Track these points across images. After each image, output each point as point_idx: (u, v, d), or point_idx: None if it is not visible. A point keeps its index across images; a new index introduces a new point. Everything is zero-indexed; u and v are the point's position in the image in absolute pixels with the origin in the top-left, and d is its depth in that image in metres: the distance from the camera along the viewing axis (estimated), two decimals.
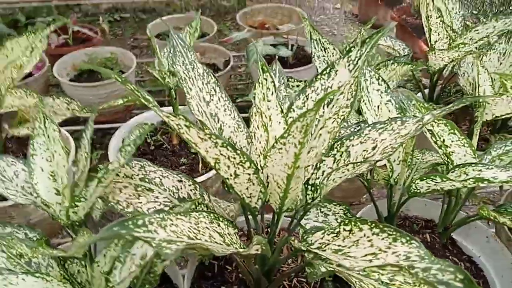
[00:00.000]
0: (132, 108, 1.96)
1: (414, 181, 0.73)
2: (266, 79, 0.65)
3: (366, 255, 0.52)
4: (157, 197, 0.69)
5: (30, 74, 1.82)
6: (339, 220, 0.76)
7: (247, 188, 0.62)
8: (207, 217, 0.58)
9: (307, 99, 0.67)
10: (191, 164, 1.07)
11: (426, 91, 1.19)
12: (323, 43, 0.99)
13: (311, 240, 0.61)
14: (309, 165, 0.66)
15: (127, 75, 1.82)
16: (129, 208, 0.67)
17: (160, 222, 0.47)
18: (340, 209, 0.77)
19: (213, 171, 1.02)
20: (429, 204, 0.92)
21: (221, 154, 0.57)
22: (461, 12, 1.12)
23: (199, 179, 0.98)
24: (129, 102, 1.03)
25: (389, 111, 0.77)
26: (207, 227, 0.56)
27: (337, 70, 0.65)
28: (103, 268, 0.67)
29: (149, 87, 2.39)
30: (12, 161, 0.78)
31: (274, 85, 0.65)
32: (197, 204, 0.68)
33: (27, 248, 0.69)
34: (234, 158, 0.57)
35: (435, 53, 0.98)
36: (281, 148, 0.54)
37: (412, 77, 1.14)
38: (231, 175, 0.60)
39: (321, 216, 0.76)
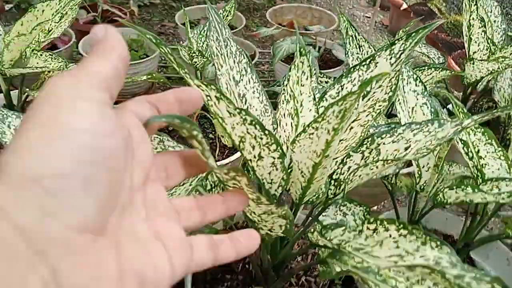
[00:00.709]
0: (154, 91, 1.95)
1: (442, 189, 0.69)
2: (302, 62, 0.62)
3: (391, 256, 0.49)
4: None
5: (55, 47, 1.82)
6: (357, 221, 0.72)
7: (269, 173, 0.59)
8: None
9: (342, 89, 0.64)
10: None
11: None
12: (359, 40, 0.96)
13: (330, 236, 0.58)
14: (336, 158, 0.63)
15: (151, 59, 1.82)
16: None
17: None
18: (360, 210, 0.74)
19: (229, 159, 0.99)
20: (450, 218, 0.89)
21: (248, 133, 0.54)
22: (503, 26, 1.08)
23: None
24: (153, 80, 1.01)
25: (424, 114, 0.74)
26: None
27: (377, 62, 0.62)
28: None
29: (171, 73, 2.39)
30: None
31: (310, 69, 0.62)
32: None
33: None
34: (261, 138, 0.54)
35: (473, 63, 0.94)
36: (312, 133, 0.51)
37: (445, 88, 1.10)
38: (254, 157, 0.57)
39: (340, 214, 0.72)
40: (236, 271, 0.77)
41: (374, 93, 0.61)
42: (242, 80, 0.68)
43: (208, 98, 0.52)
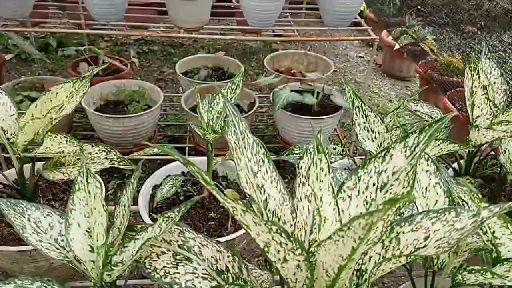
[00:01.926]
0: (155, 140, 1.98)
1: (460, 271, 0.70)
2: (320, 160, 0.64)
3: None
4: (195, 268, 0.67)
5: None
6: None
7: (294, 274, 0.59)
8: None
9: (359, 180, 0.65)
10: (220, 219, 1.05)
11: (462, 161, 1.17)
12: (364, 110, 0.99)
13: None
14: None
15: (154, 110, 1.85)
16: (167, 278, 0.65)
17: None
18: None
19: (242, 230, 1.00)
20: None
21: (273, 239, 0.55)
22: (503, 87, 1.11)
23: (228, 237, 0.96)
24: (164, 152, 1.02)
25: (437, 193, 0.75)
26: None
27: (392, 155, 0.64)
28: None
29: (172, 121, 2.41)
30: (48, 212, 0.77)
31: (328, 166, 0.64)
32: (236, 279, 0.66)
33: None
34: (286, 244, 0.55)
35: (478, 130, 0.96)
36: (338, 240, 0.52)
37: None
38: (279, 259, 0.57)
39: None
40: None
41: (392, 185, 0.63)
42: (260, 170, 0.69)
43: (234, 209, 0.53)
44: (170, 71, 3.15)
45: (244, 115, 1.88)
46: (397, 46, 3.19)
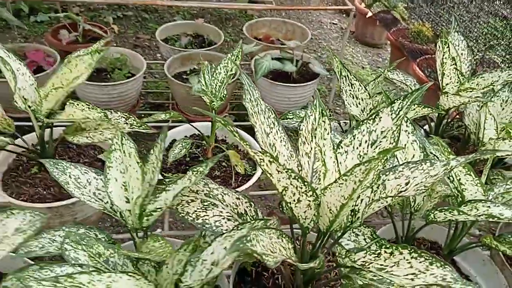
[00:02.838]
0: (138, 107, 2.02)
1: (433, 211, 0.87)
2: (324, 122, 0.78)
3: (407, 275, 0.65)
4: (221, 212, 0.81)
5: (41, 69, 1.88)
6: (367, 240, 0.89)
7: (304, 212, 0.74)
8: (275, 233, 0.70)
9: (354, 138, 0.80)
10: (224, 177, 1.19)
11: (432, 124, 1.34)
12: (351, 79, 1.13)
13: (354, 258, 0.74)
14: None
15: (138, 77, 1.90)
16: (199, 220, 0.79)
17: (256, 239, 0.59)
18: (368, 231, 0.90)
19: (245, 186, 1.14)
20: (435, 228, 1.07)
21: (291, 184, 0.69)
22: (469, 58, 1.27)
23: None
24: (173, 118, 1.13)
25: (414, 149, 0.91)
26: (276, 242, 0.69)
27: (381, 117, 0.78)
28: (171, 270, 0.78)
29: (153, 88, 2.45)
30: (85, 170, 0.88)
31: (330, 126, 0.78)
32: (253, 220, 0.80)
33: (103, 248, 0.79)
34: (301, 187, 0.69)
35: (447, 96, 1.13)
36: (342, 183, 0.67)
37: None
38: (294, 200, 0.72)
39: (353, 236, 0.89)
40: (268, 286, 0.92)
41: (380, 141, 0.78)
42: (271, 132, 0.83)
43: (262, 161, 0.67)
44: (146, 37, 3.15)
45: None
46: (369, 14, 3.31)
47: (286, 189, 0.70)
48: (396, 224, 1.01)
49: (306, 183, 0.69)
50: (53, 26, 2.73)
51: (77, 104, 1.01)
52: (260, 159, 0.66)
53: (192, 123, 1.25)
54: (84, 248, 0.78)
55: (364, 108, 1.12)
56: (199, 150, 1.25)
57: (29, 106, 1.05)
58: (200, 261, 0.75)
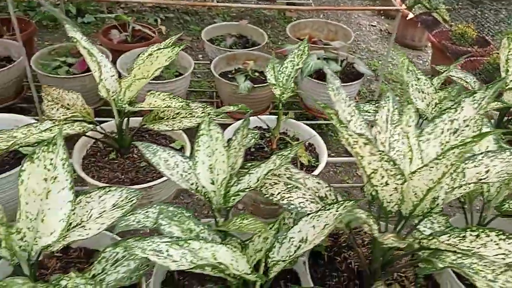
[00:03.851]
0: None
1: (508, 201, 0.89)
2: (409, 109, 0.81)
3: (497, 255, 0.68)
4: (304, 194, 0.85)
5: None
6: (441, 228, 0.92)
7: (390, 195, 0.77)
8: (365, 213, 0.74)
9: (436, 127, 0.83)
10: None
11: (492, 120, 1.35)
12: (417, 74, 1.16)
13: (440, 240, 0.77)
14: None
15: (186, 76, 1.98)
16: (284, 200, 0.83)
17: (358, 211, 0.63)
18: (442, 219, 0.93)
19: None
20: (502, 222, 1.08)
21: (381, 167, 0.73)
22: None
23: None
24: (241, 110, 1.18)
25: (488, 140, 0.94)
26: (367, 219, 0.73)
27: (463, 107, 0.81)
28: (256, 246, 0.83)
29: (196, 87, 2.53)
30: (172, 154, 0.94)
31: (415, 114, 0.81)
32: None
33: (193, 224, 0.84)
34: (391, 170, 0.73)
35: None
36: (432, 167, 0.70)
37: None
38: (381, 184, 0.76)
39: (429, 223, 0.92)
40: (341, 269, 0.95)
41: (463, 130, 0.81)
42: (352, 119, 0.86)
43: (355, 143, 0.71)
44: (188, 39, 3.23)
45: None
46: (410, 15, 3.31)
47: (375, 171, 0.74)
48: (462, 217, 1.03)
49: (396, 166, 0.72)
50: (100, 26, 2.84)
51: (158, 94, 1.07)
52: (355, 141, 0.70)
53: (259, 116, 1.30)
54: (177, 224, 0.83)
55: (429, 103, 1.15)
56: (263, 141, 1.30)
57: (111, 96, 1.12)
58: (287, 239, 0.79)
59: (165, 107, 1.02)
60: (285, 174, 0.88)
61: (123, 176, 1.13)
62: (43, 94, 1.20)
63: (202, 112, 1.09)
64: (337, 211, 0.74)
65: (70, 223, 0.81)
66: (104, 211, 0.83)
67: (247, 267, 0.75)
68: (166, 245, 0.73)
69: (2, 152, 1.02)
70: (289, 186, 0.86)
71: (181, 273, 0.93)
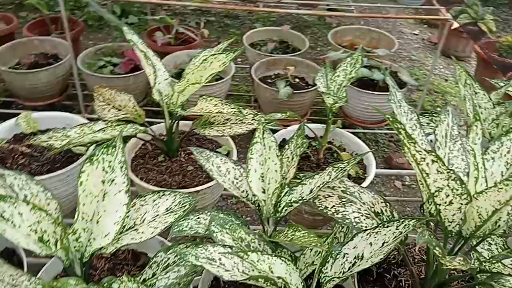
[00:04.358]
0: None
1: None
2: (476, 126, 0.78)
3: None
4: (359, 209, 0.83)
5: (138, 68, 2.00)
6: (499, 250, 0.88)
7: (453, 215, 0.74)
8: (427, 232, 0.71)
9: (502, 145, 0.79)
10: None
11: None
12: (475, 87, 1.11)
13: (501, 265, 0.73)
14: None
15: (227, 79, 1.98)
16: (338, 214, 0.81)
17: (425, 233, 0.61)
18: (500, 241, 0.89)
19: None
20: None
21: (448, 185, 0.70)
22: None
23: None
24: (290, 117, 1.17)
25: None
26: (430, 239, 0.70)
27: None
28: (307, 259, 0.81)
29: (233, 91, 2.53)
30: (224, 160, 0.94)
31: (482, 131, 0.78)
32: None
33: (244, 233, 0.83)
34: (457, 190, 0.70)
35: None
36: (501, 188, 0.67)
37: None
38: (445, 202, 0.73)
39: (486, 244, 0.88)
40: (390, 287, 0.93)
41: None
42: (413, 134, 0.84)
43: (423, 159, 0.68)
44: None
45: (311, 89, 1.99)
46: (455, 25, 3.21)
47: (440, 190, 0.71)
48: None
49: (463, 185, 0.69)
50: (143, 28, 2.88)
51: (210, 99, 1.08)
52: (422, 157, 0.67)
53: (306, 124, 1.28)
54: (228, 232, 0.82)
55: (486, 118, 1.11)
56: (309, 150, 1.28)
57: (164, 99, 1.13)
58: (341, 254, 0.77)
59: (217, 112, 1.02)
60: (339, 187, 0.86)
61: (170, 179, 1.14)
62: (95, 94, 1.22)
63: (253, 119, 1.09)
64: (397, 229, 0.71)
65: (124, 226, 0.82)
66: (158, 215, 0.84)
67: (299, 281, 0.74)
68: (219, 253, 0.72)
69: (57, 151, 1.05)
70: (343, 199, 0.84)
71: (227, 281, 0.92)
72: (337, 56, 2.22)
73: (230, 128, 1.08)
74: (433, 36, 3.59)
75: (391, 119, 0.67)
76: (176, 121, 1.16)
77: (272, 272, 0.67)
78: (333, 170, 0.84)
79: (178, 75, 2.02)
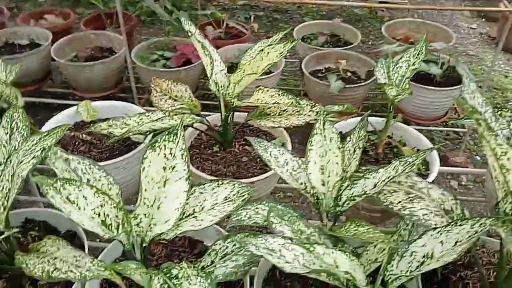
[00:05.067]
0: None
1: None
2: None
3: None
4: (428, 205, 0.79)
5: (190, 62, 2.03)
6: None
7: None
8: None
9: None
10: None
11: None
12: None
13: None
14: None
15: (276, 74, 1.96)
16: (405, 210, 0.77)
17: None
18: None
19: None
20: None
21: None
22: None
23: None
24: (347, 110, 1.13)
25: None
26: None
27: None
28: (370, 256, 0.78)
29: (281, 85, 2.50)
30: (282, 151, 0.92)
31: None
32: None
33: (304, 226, 0.81)
34: None
35: None
36: None
37: None
38: None
39: None
40: None
41: None
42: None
43: (503, 154, 0.63)
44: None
45: (363, 83, 1.94)
46: None
47: None
48: None
49: None
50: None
51: (267, 90, 1.06)
52: (503, 152, 0.62)
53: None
54: (287, 224, 0.80)
55: None
56: (367, 144, 1.24)
57: (219, 90, 1.12)
58: (408, 252, 0.73)
59: (274, 103, 1.00)
60: (406, 182, 0.82)
61: (225, 170, 1.13)
62: (152, 85, 1.24)
63: (310, 110, 1.06)
64: (471, 227, 0.67)
65: (184, 213, 0.82)
66: (216, 203, 0.83)
67: (363, 277, 0.71)
68: (279, 244, 0.71)
69: (117, 139, 1.07)
70: (410, 195, 0.80)
71: (283, 273, 0.90)
72: (391, 49, 2.15)
73: (286, 119, 1.06)
74: (492, 30, 3.40)
75: (470, 109, 0.62)
76: (232, 112, 1.15)
77: (337, 266, 0.65)
78: (400, 164, 0.80)
79: (229, 68, 2.05)
